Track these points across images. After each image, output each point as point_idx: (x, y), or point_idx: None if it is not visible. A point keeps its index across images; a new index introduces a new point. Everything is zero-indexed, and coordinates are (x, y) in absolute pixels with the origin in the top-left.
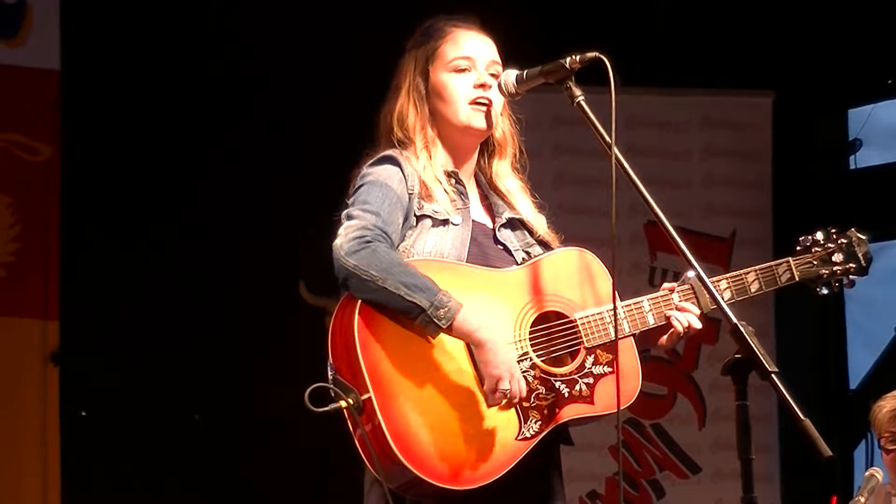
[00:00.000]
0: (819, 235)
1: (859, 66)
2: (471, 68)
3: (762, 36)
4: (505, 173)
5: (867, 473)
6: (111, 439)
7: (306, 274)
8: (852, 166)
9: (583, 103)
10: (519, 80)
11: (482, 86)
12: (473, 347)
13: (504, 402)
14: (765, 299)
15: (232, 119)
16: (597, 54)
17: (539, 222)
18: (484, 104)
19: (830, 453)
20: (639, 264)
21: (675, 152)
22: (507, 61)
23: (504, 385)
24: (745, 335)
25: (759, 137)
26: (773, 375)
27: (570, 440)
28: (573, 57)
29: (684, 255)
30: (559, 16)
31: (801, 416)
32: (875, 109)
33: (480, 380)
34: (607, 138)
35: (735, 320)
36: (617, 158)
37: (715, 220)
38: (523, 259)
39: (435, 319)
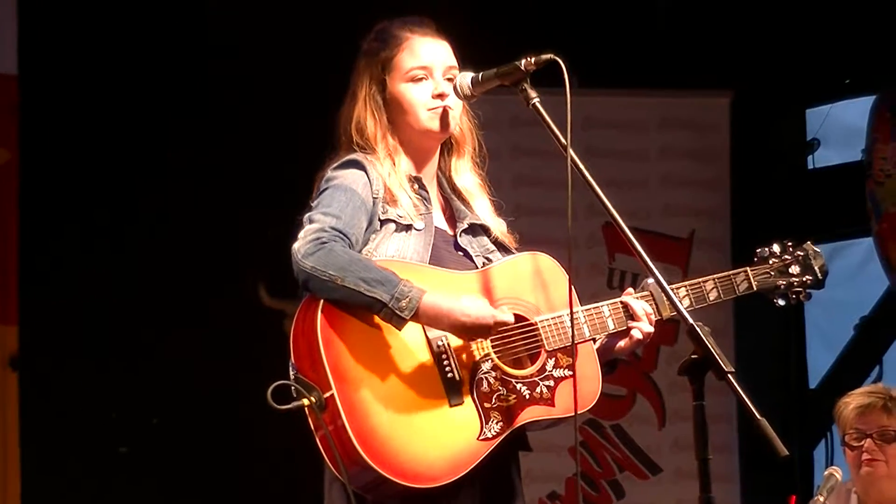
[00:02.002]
0: (776, 247)
1: (817, 65)
2: (427, 77)
3: (719, 36)
4: (464, 170)
5: (826, 472)
6: (71, 443)
7: (266, 277)
8: (811, 166)
9: (538, 105)
10: (474, 82)
11: (440, 95)
12: (447, 321)
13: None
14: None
15: (192, 121)
16: (552, 56)
17: (496, 223)
18: (441, 110)
19: (787, 452)
20: (597, 266)
21: (633, 153)
22: (466, 61)
23: (490, 329)
24: (702, 335)
25: (717, 138)
26: (729, 375)
27: (527, 447)
28: (528, 59)
29: (640, 257)
30: (516, 17)
31: (758, 416)
32: (833, 109)
33: (443, 374)
34: (563, 140)
35: (691, 321)
36: (573, 160)
37: (673, 221)
38: (483, 264)
39: (398, 312)
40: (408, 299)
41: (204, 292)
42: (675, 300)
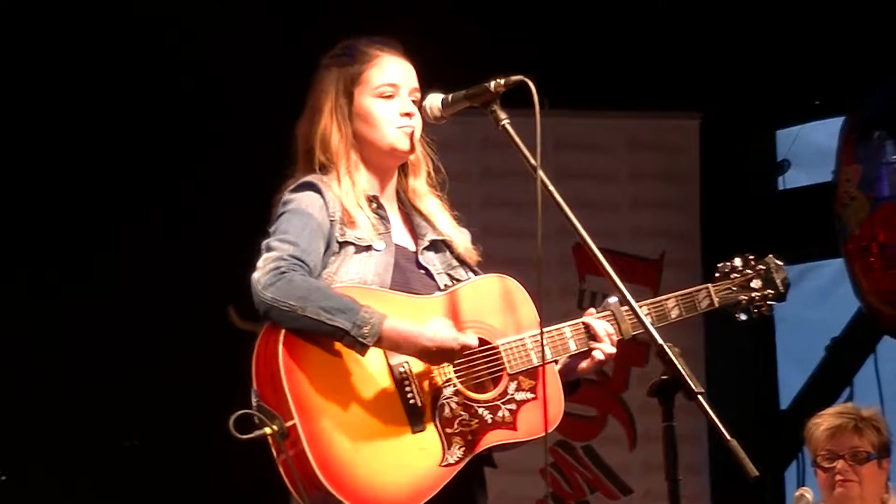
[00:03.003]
0: (737, 262)
1: (787, 87)
2: (395, 95)
3: (688, 58)
4: (423, 191)
5: (797, 493)
6: (40, 468)
7: (236, 298)
8: (781, 187)
9: (508, 126)
10: (444, 103)
11: (407, 115)
12: (407, 347)
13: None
14: (695, 320)
15: (161, 141)
16: (521, 77)
17: (460, 237)
18: (409, 131)
19: (757, 473)
20: (567, 287)
21: (603, 174)
22: (435, 82)
23: (454, 353)
24: (672, 356)
25: (686, 159)
26: (699, 396)
27: (493, 463)
28: (498, 80)
29: (610, 278)
30: (485, 38)
31: (728, 437)
32: (803, 130)
33: (405, 400)
34: (533, 161)
35: (661, 342)
36: (542, 181)
37: (643, 242)
38: (445, 285)
39: (360, 339)
40: (369, 326)
41: (173, 313)
42: (646, 322)
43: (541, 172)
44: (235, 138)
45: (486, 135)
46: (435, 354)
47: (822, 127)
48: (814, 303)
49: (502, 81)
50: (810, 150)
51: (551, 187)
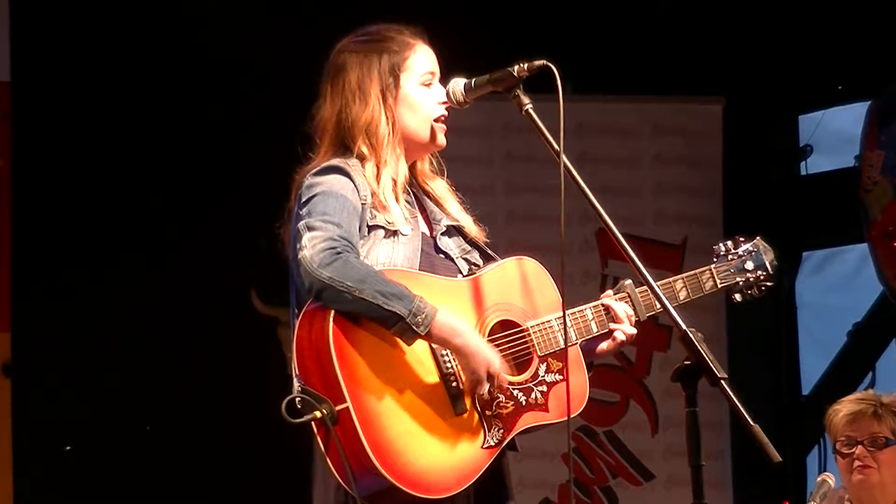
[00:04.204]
0: (729, 243)
1: (809, 72)
2: (432, 83)
3: (713, 43)
4: (430, 174)
5: (819, 479)
6: (63, 451)
7: (257, 283)
8: (803, 172)
9: (531, 111)
10: (467, 88)
11: (444, 103)
12: (452, 352)
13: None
14: (716, 305)
15: (185, 128)
16: (544, 62)
17: (469, 222)
18: (444, 122)
19: (780, 459)
20: (590, 272)
21: (626, 160)
22: (459, 66)
23: (483, 389)
24: (695, 341)
25: (709, 144)
26: (722, 381)
27: (515, 447)
28: (521, 65)
29: (633, 263)
30: (509, 24)
31: (751, 422)
32: (825, 116)
33: (447, 383)
34: (556, 146)
35: (684, 326)
36: (565, 166)
37: (666, 228)
38: (469, 269)
39: (413, 326)
40: (423, 315)
41: (196, 298)
42: (668, 305)
43: (564, 157)
44: (257, 135)
45: (509, 119)
46: (468, 375)
47: (844, 112)
48: (836, 288)
49: (525, 66)
50: (833, 135)
51: (574, 172)
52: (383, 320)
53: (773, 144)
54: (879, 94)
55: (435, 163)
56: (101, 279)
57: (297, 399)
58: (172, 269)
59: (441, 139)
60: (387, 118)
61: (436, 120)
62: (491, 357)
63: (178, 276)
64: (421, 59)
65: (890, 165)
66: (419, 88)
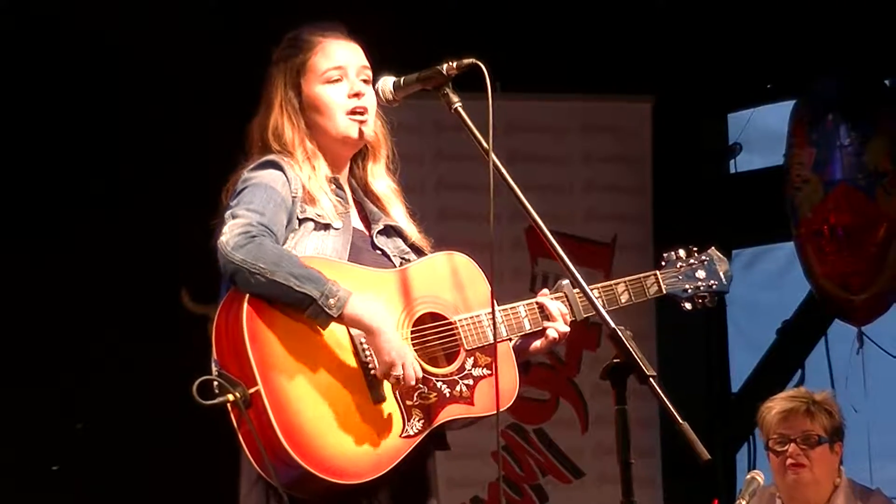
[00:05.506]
0: (681, 252)
1: (738, 70)
2: (342, 78)
3: (641, 41)
4: (379, 175)
5: (748, 476)
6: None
7: (188, 281)
8: (732, 170)
9: (460, 109)
10: (396, 86)
11: (356, 95)
12: (365, 335)
13: (397, 385)
14: (646, 304)
15: (112, 128)
16: (473, 61)
17: (412, 229)
18: (361, 113)
19: (709, 456)
20: (520, 269)
21: (556, 158)
22: (387, 65)
23: (397, 371)
24: (623, 339)
25: (639, 143)
26: (650, 379)
27: (446, 446)
28: (450, 63)
29: (562, 261)
30: (437, 22)
31: (680, 420)
32: (754, 114)
33: (366, 371)
34: (485, 144)
35: (613, 325)
36: (495, 164)
37: (596, 226)
38: (401, 264)
39: (326, 309)
40: (336, 298)
41: (124, 297)
42: (597, 304)
43: (493, 155)
44: (186, 133)
45: (440, 118)
46: (380, 357)
47: (773, 110)
48: (765, 286)
49: (454, 64)
50: (762, 133)
51: (503, 170)
52: (297, 302)
53: (703, 143)
54: (806, 91)
55: (390, 162)
56: (26, 278)
57: (215, 383)
58: (102, 267)
59: (352, 132)
60: (291, 123)
61: (349, 113)
62: (402, 345)
63: (109, 274)
64: (325, 57)
65: (821, 163)
66: (322, 87)
